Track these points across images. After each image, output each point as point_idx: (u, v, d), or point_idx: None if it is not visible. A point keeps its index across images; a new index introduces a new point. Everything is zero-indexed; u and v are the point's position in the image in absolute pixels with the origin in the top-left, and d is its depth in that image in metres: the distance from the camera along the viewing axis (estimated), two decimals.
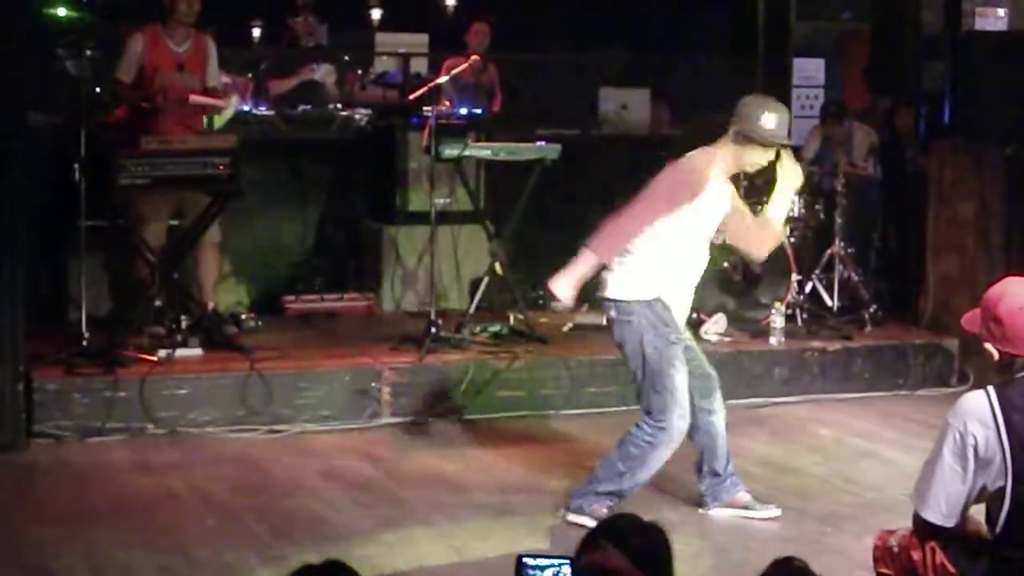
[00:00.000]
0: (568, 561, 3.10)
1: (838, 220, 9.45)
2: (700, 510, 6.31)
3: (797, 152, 10.73)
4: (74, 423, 7.39)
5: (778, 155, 6.14)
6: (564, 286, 5.93)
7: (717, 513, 6.30)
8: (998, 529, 3.95)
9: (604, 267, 5.97)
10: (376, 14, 13.66)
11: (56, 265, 8.98)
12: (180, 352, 7.89)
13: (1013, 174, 9.09)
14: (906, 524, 4.24)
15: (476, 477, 6.94)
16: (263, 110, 10.47)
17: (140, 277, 8.33)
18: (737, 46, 11.58)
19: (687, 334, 6.19)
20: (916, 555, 4.05)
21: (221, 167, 7.97)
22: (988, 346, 4.06)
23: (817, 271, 9.50)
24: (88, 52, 8.45)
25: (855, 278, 9.55)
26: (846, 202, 9.47)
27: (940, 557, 3.99)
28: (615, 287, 5.99)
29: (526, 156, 8.90)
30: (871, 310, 9.40)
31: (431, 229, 8.66)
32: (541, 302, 9.63)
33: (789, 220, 9.32)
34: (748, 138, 5.95)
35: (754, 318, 9.06)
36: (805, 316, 9.22)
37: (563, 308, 6.21)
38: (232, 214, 8.67)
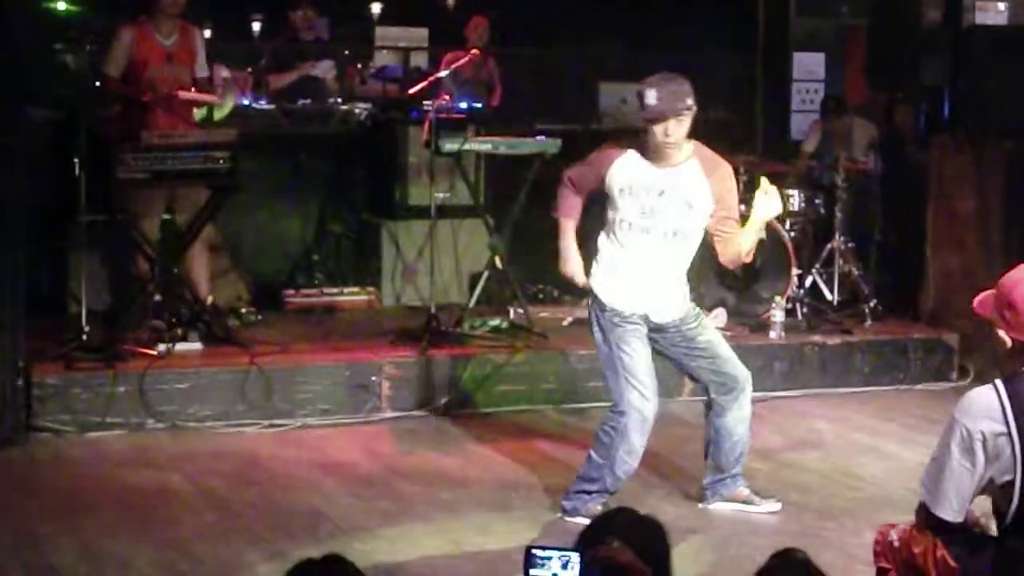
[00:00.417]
0: (577, 552, 3.10)
1: (838, 215, 9.46)
2: (700, 504, 6.32)
3: (797, 147, 10.79)
4: (74, 417, 7.39)
5: (758, 183, 6.13)
6: (567, 265, 6.20)
7: (716, 507, 6.31)
8: (1007, 522, 3.93)
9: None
10: (376, 8, 13.63)
11: (56, 260, 8.98)
12: (180, 346, 7.89)
13: (1013, 169, 9.08)
14: (906, 518, 4.24)
15: (476, 472, 6.94)
16: (263, 104, 10.47)
17: (140, 272, 8.34)
18: (737, 40, 11.57)
19: (700, 327, 6.17)
20: (917, 549, 4.04)
21: (221, 161, 7.98)
22: (1000, 333, 4.00)
23: (817, 265, 9.50)
24: (88, 47, 8.45)
25: (855, 272, 9.55)
26: (846, 197, 9.47)
27: (941, 551, 3.98)
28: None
29: (526, 150, 8.89)
30: (871, 304, 9.40)
31: (431, 223, 8.66)
32: (541, 296, 9.66)
33: (789, 214, 9.36)
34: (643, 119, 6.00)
35: (754, 312, 9.06)
36: (805, 310, 9.22)
37: (584, 284, 6.20)
38: (232, 208, 8.67)
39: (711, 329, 6.33)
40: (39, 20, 9.61)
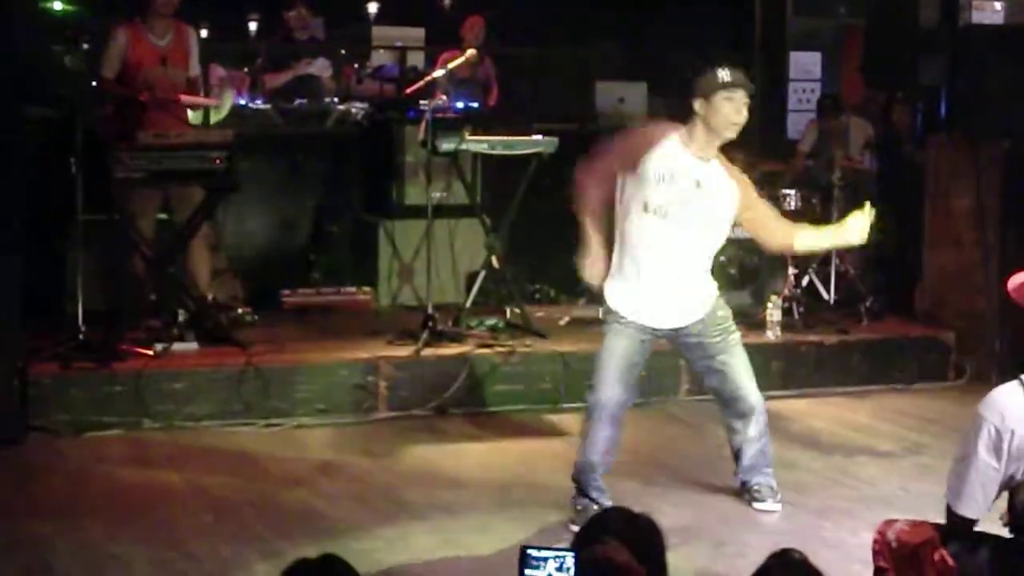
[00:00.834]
0: (572, 553, 3.10)
1: (834, 214, 9.45)
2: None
3: (794, 146, 10.81)
4: (70, 417, 7.38)
5: (862, 207, 6.06)
6: (593, 269, 6.01)
7: (713, 507, 6.31)
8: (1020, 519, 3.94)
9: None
10: (373, 8, 13.67)
11: (53, 259, 8.95)
12: (177, 346, 7.89)
13: (1010, 168, 9.09)
14: (903, 517, 4.24)
15: (473, 471, 6.94)
16: (259, 104, 10.46)
17: (136, 271, 8.33)
18: (734, 40, 11.57)
19: (724, 343, 6.11)
20: (915, 549, 4.04)
21: (217, 161, 7.97)
22: None
23: (814, 265, 9.50)
24: (84, 46, 8.44)
25: (851, 272, 9.56)
26: (843, 196, 9.47)
27: (940, 551, 3.99)
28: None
29: (523, 150, 8.88)
30: (867, 304, 9.41)
31: (428, 223, 8.66)
32: (538, 296, 9.66)
33: (786, 213, 9.36)
34: (706, 96, 5.86)
35: (750, 312, 9.06)
36: (801, 310, 9.23)
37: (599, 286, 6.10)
38: (228, 208, 8.67)
39: (736, 349, 6.15)
40: (36, 19, 9.59)
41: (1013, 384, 3.94)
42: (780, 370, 8.66)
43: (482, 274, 8.83)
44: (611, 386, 6.01)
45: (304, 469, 6.90)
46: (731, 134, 5.93)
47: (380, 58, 11.17)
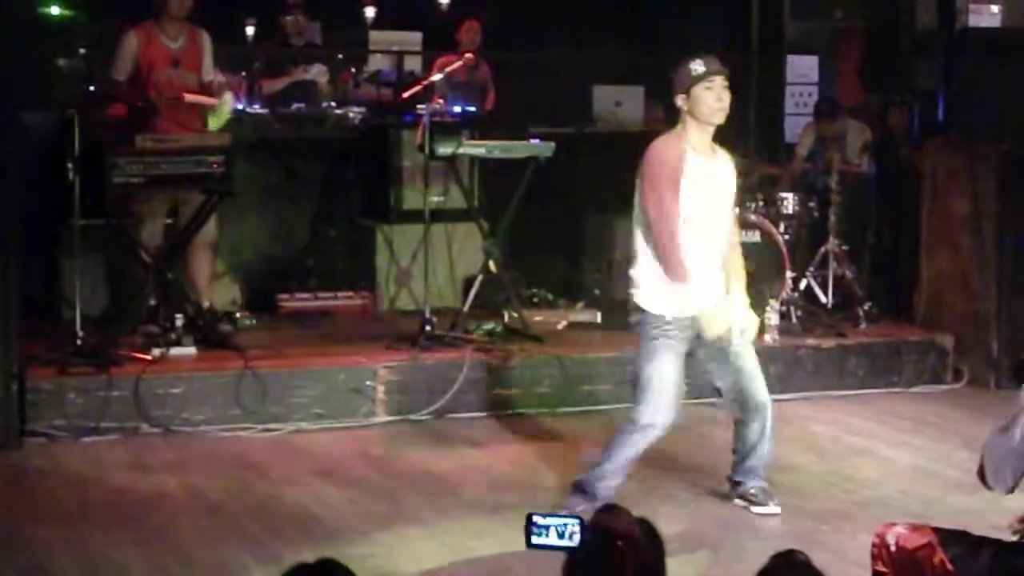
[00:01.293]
0: (577, 520, 3.14)
1: (832, 217, 9.46)
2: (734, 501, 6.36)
3: (791, 150, 10.81)
4: (68, 422, 7.38)
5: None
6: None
7: (713, 509, 6.31)
8: None
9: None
10: (370, 12, 13.65)
11: (50, 264, 8.97)
12: (174, 351, 7.88)
13: (1007, 171, 9.08)
14: (902, 520, 4.24)
15: (470, 475, 6.93)
16: (256, 109, 10.46)
17: (134, 276, 8.32)
18: (731, 43, 11.58)
19: (739, 344, 6.14)
20: (914, 553, 4.04)
21: (215, 165, 7.97)
22: None
23: (811, 268, 9.51)
24: (81, 50, 8.43)
25: (849, 275, 9.56)
26: (840, 199, 9.48)
27: (939, 555, 3.99)
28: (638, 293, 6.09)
29: (520, 154, 8.89)
30: (865, 307, 9.41)
31: (425, 227, 8.65)
32: (536, 300, 9.65)
33: (784, 217, 9.38)
34: (686, 91, 5.93)
35: None
36: (799, 313, 9.22)
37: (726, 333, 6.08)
38: (226, 213, 8.66)
39: (749, 348, 6.22)
40: (33, 24, 9.58)
41: None
42: (778, 374, 8.64)
43: (480, 278, 8.83)
44: (669, 412, 6.04)
45: (301, 473, 6.90)
46: (718, 119, 6.03)
47: (377, 63, 11.16)
